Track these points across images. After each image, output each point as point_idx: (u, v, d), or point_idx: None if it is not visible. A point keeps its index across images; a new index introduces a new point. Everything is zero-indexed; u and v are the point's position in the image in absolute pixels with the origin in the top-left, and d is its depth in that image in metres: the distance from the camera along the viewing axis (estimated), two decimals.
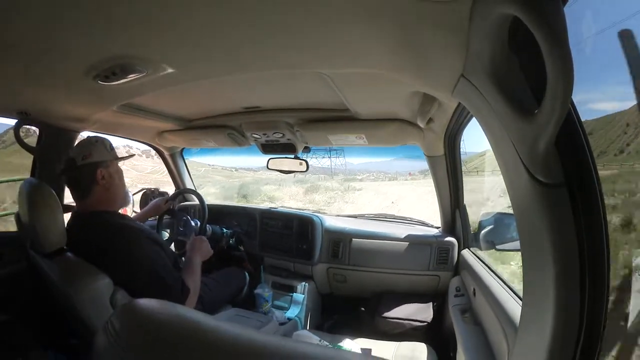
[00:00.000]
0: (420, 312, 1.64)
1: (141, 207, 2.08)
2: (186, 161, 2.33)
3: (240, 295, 1.79)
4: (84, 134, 1.48)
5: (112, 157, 1.28)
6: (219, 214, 2.10)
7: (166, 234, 1.95)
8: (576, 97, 0.45)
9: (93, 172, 1.22)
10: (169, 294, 1.14)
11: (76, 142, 1.35)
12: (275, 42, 0.74)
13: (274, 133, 1.59)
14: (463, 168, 1.63)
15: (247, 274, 1.85)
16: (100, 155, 1.24)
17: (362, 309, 1.82)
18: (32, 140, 1.48)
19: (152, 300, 0.40)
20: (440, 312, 1.65)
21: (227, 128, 1.66)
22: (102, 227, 1.18)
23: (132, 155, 1.54)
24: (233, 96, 1.32)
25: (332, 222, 1.90)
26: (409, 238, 1.74)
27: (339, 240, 1.81)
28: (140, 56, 0.83)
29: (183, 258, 1.52)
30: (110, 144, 1.30)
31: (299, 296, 1.84)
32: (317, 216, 1.92)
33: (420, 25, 0.58)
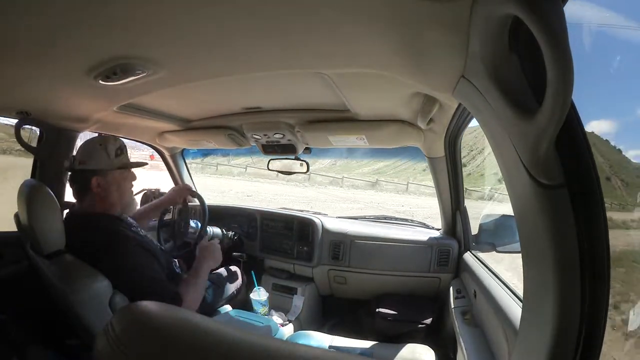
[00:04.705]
0: (420, 314, 1.64)
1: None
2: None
3: (238, 296, 1.78)
4: (85, 134, 1.48)
5: (112, 167, 1.19)
6: (219, 215, 2.10)
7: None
8: (576, 98, 0.45)
9: (87, 179, 1.17)
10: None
11: (78, 142, 1.31)
12: (276, 42, 0.74)
13: (275, 134, 1.58)
14: None
15: (240, 273, 1.84)
16: (98, 163, 1.17)
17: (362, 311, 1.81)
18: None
19: (153, 303, 0.40)
20: (440, 313, 1.65)
21: (227, 129, 1.66)
22: (93, 231, 1.15)
23: (141, 164, 1.29)
24: (234, 97, 1.32)
25: (332, 223, 1.90)
26: (409, 240, 1.73)
27: (340, 242, 1.81)
28: (141, 56, 0.83)
29: (177, 261, 1.50)
30: (118, 149, 1.21)
31: (299, 298, 1.83)
32: (317, 218, 1.91)
33: (420, 25, 0.58)
